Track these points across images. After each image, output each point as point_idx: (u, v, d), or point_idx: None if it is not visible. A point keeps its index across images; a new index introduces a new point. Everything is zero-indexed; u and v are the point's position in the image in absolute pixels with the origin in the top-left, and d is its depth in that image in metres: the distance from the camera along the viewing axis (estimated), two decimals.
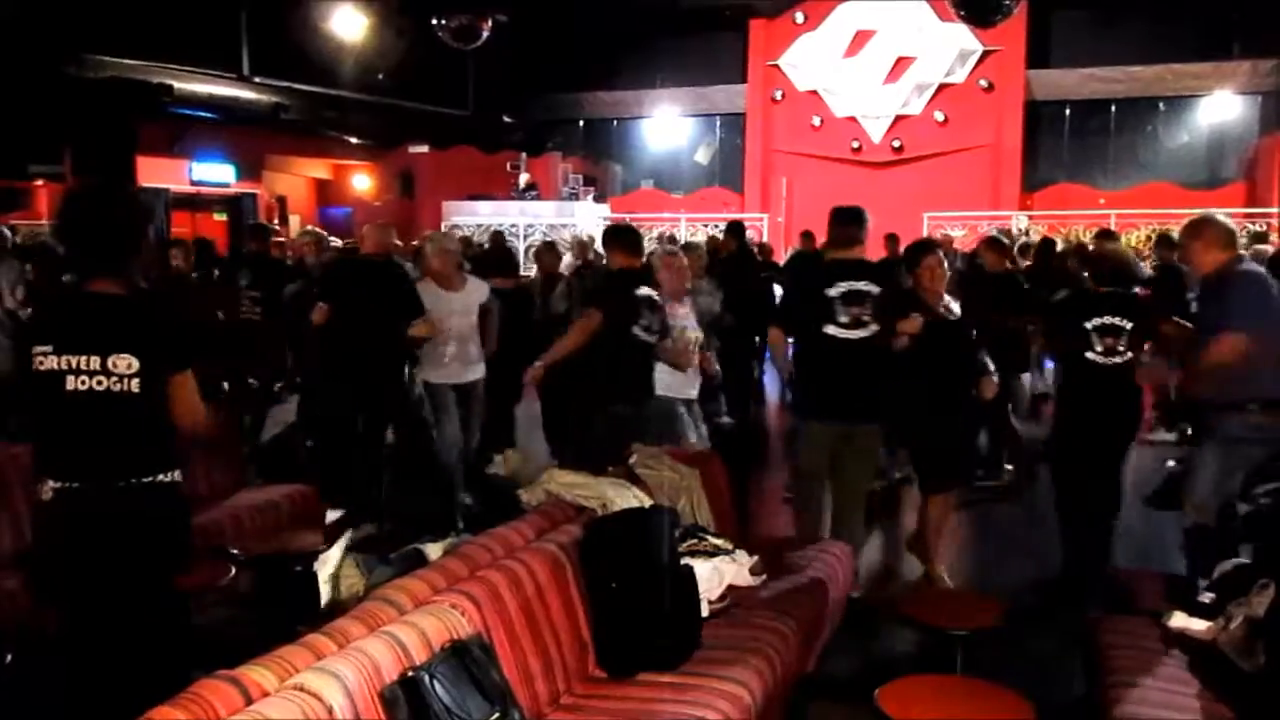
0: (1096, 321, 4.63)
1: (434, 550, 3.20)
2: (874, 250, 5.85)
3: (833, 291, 4.53)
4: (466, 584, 2.88)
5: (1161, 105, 17.80)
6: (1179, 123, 17.91)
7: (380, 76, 16.80)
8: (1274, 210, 14.45)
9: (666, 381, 5.29)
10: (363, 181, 19.88)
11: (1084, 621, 3.77)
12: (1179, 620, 3.45)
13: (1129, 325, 4.61)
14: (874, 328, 4.56)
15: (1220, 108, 17.35)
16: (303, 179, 19.32)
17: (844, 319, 4.52)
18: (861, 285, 4.55)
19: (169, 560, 2.83)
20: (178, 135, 15.05)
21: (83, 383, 2.67)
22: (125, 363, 2.68)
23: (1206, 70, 16.91)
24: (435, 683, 2.39)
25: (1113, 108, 17.87)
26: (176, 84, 13.02)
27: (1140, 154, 18.05)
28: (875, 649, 4.36)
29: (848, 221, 4.72)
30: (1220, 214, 4.57)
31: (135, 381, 2.69)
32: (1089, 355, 4.64)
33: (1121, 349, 4.61)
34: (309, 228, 10.90)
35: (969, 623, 3.62)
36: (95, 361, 2.67)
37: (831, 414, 4.68)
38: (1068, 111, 18.09)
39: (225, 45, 14.17)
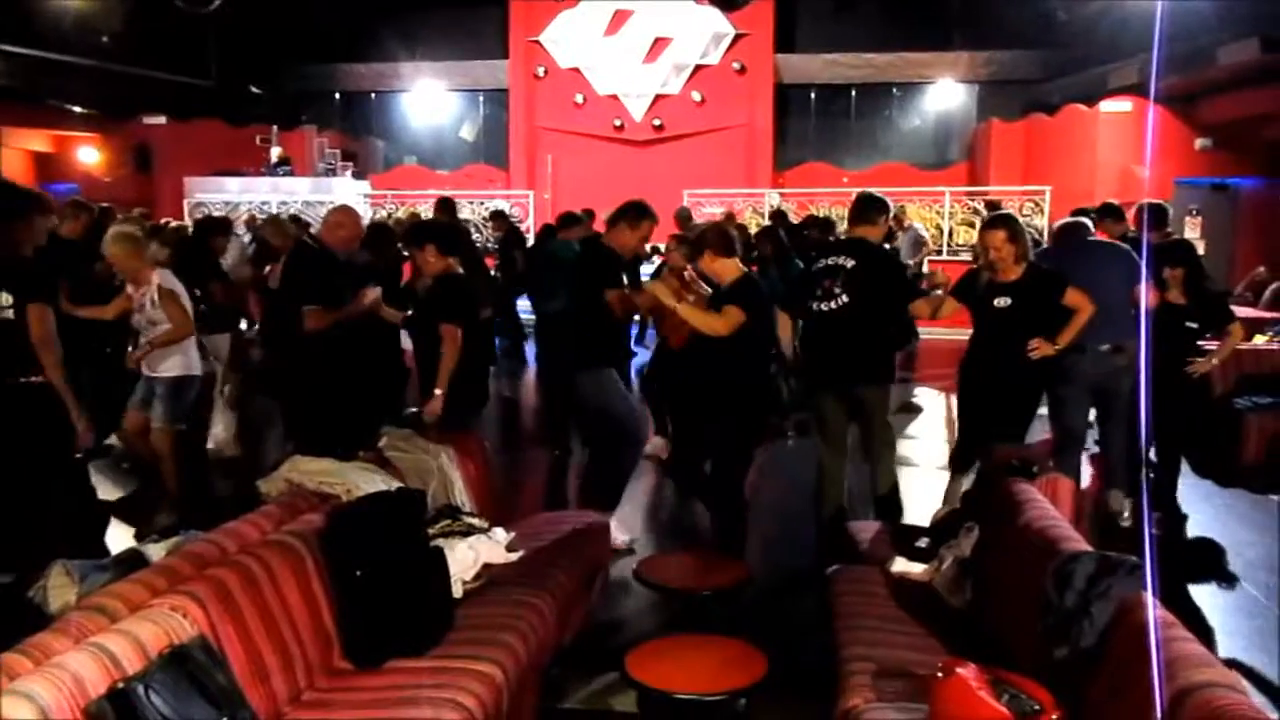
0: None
1: (156, 551, 2.97)
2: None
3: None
4: (192, 584, 2.69)
5: (896, 90, 19.16)
6: (911, 107, 19.35)
7: (105, 40, 15.33)
8: (991, 189, 15.94)
9: None
10: (90, 155, 18.11)
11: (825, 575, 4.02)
12: (900, 565, 3.76)
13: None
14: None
15: (945, 95, 18.89)
16: (17, 151, 17.33)
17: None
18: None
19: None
20: None
21: None
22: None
23: (931, 59, 18.34)
24: (151, 693, 2.22)
25: (853, 92, 19.05)
26: None
27: (879, 136, 19.36)
28: (636, 616, 4.47)
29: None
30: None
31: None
32: None
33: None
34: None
35: (714, 583, 3.78)
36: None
37: None
38: (813, 95, 19.14)
39: None
